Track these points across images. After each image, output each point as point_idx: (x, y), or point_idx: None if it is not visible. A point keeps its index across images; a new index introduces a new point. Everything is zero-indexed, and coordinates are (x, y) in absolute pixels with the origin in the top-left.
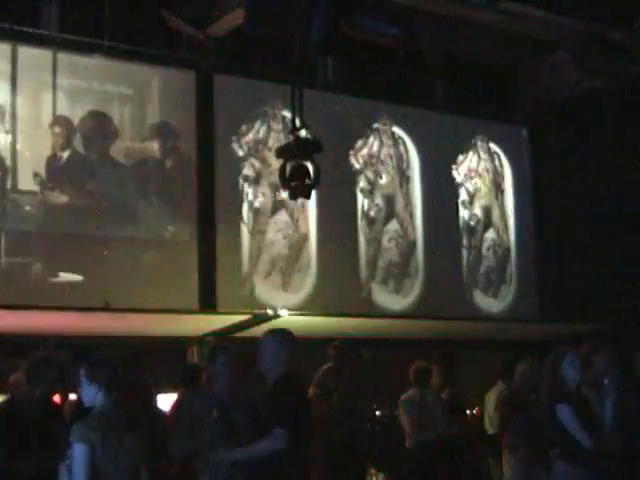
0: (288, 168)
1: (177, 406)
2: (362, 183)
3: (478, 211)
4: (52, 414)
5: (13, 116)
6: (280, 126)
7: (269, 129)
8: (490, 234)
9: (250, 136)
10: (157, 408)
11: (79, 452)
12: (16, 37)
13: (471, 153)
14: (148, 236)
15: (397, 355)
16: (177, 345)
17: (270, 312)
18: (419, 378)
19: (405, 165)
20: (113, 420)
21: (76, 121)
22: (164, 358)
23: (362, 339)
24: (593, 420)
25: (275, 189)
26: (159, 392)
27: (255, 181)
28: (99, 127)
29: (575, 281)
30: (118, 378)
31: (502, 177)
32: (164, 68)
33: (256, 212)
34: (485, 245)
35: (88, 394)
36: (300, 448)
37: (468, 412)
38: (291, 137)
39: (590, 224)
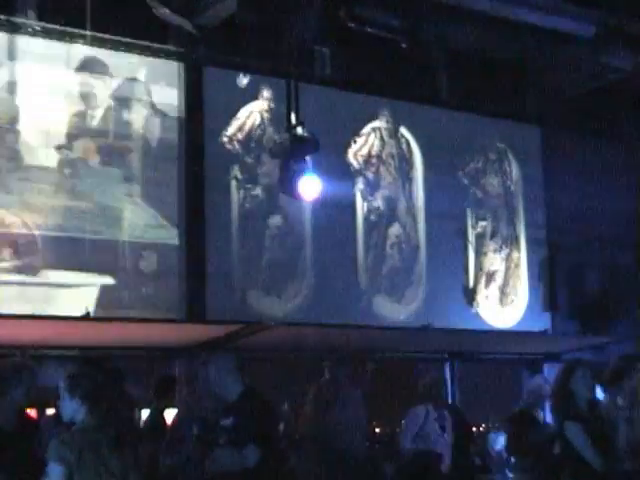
0: (283, 168)
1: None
2: (362, 184)
3: (486, 215)
4: (28, 429)
5: None
6: (275, 123)
7: (263, 126)
8: (498, 240)
9: (242, 133)
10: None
11: (54, 472)
12: None
13: (478, 153)
14: (131, 240)
15: (398, 369)
16: (163, 357)
17: (263, 322)
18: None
19: (408, 165)
20: (95, 438)
21: (55, 115)
22: (149, 371)
23: (362, 352)
24: (605, 439)
25: (269, 190)
26: (144, 407)
27: (247, 181)
28: (81, 122)
29: (589, 291)
30: (101, 392)
31: (511, 179)
32: (150, 59)
33: (248, 215)
34: (494, 248)
35: (68, 409)
36: (271, 464)
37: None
38: (286, 135)
39: (607, 230)
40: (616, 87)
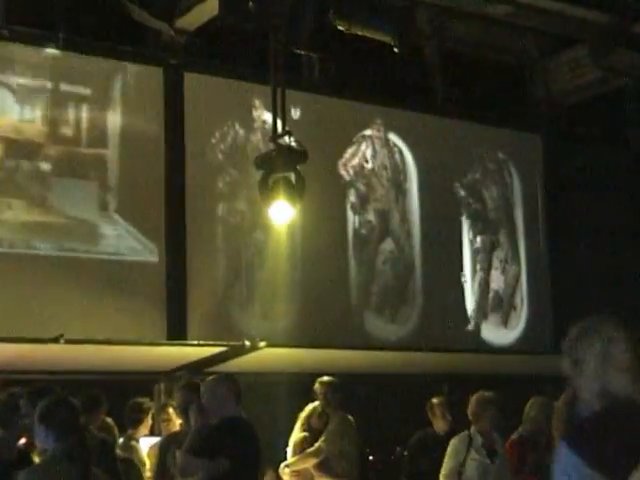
0: (269, 180)
1: None
2: (353, 197)
3: (485, 229)
4: (24, 460)
5: None
6: (260, 132)
7: (247, 135)
8: (498, 254)
9: (226, 143)
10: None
11: None
12: None
13: (476, 163)
14: (109, 257)
15: (393, 392)
16: (143, 382)
17: (248, 343)
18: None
19: (401, 177)
20: (63, 469)
21: (25, 124)
22: (128, 397)
23: (353, 374)
24: None
25: (254, 204)
26: (121, 435)
27: (231, 195)
28: (52, 132)
29: (594, 307)
30: (71, 423)
31: (511, 190)
32: (127, 65)
33: (232, 230)
34: (493, 267)
35: (41, 438)
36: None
37: None
38: (272, 145)
39: (612, 242)
40: (621, 93)
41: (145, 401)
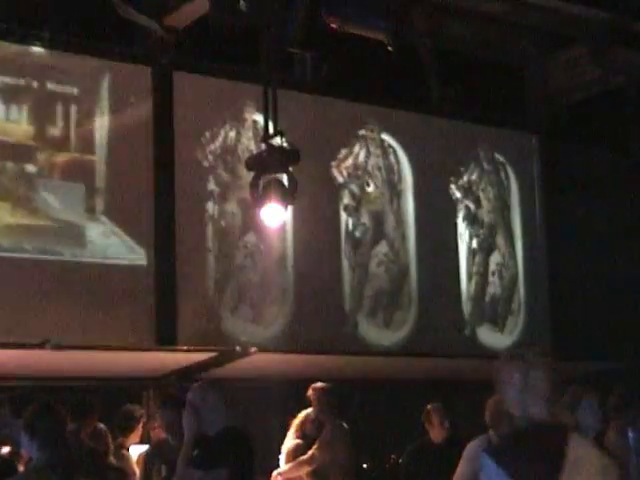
0: (260, 182)
1: None
2: (346, 199)
3: (481, 231)
4: (8, 470)
5: None
6: (251, 133)
7: (238, 136)
8: (495, 258)
9: (216, 144)
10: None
11: None
12: None
13: (472, 164)
14: (97, 260)
15: (388, 398)
16: (131, 388)
17: (239, 349)
18: None
19: (396, 178)
20: (46, 477)
21: (10, 126)
22: (116, 404)
23: (346, 380)
24: None
25: (245, 206)
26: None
27: (222, 197)
28: (38, 133)
29: (592, 313)
30: (60, 430)
31: (508, 192)
32: (115, 64)
33: (223, 233)
34: (490, 271)
35: (26, 447)
36: None
37: None
38: (264, 145)
39: (611, 245)
40: (620, 92)
41: (136, 408)
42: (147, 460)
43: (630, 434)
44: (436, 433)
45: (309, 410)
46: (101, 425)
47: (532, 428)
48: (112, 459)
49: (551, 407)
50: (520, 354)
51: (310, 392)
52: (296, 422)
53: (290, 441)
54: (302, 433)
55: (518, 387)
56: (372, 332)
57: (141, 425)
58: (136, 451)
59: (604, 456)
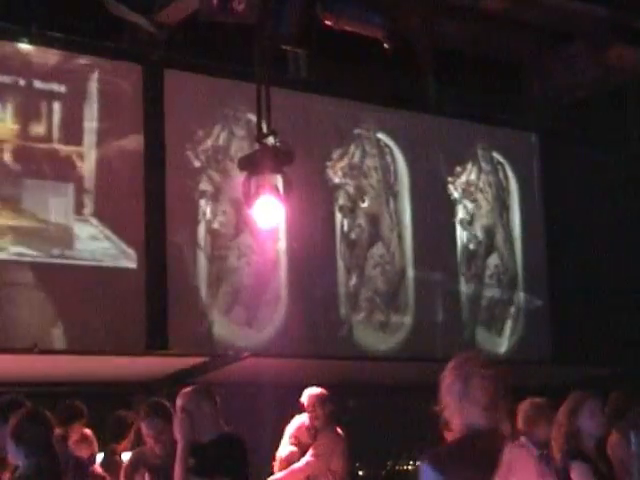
0: (253, 182)
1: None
2: (341, 200)
3: (479, 232)
4: None
5: None
6: (244, 132)
7: (231, 135)
8: (493, 260)
9: (208, 143)
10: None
11: None
12: None
13: (470, 164)
14: (85, 263)
15: (384, 404)
16: (120, 394)
17: (231, 353)
18: None
19: (392, 178)
20: None
21: None
22: (105, 410)
23: (342, 385)
24: None
25: (238, 207)
26: (99, 450)
27: (214, 197)
28: (25, 131)
29: (594, 315)
30: (47, 437)
31: (507, 192)
32: (104, 61)
33: (215, 234)
34: (487, 273)
35: (12, 454)
36: None
37: None
38: (257, 145)
39: (612, 247)
40: (621, 90)
41: (128, 414)
42: (130, 467)
43: (633, 439)
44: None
45: (303, 416)
46: (87, 431)
47: (470, 436)
48: (97, 467)
49: (490, 415)
50: (458, 365)
51: (304, 398)
52: (290, 429)
53: (284, 448)
54: (296, 440)
55: (457, 396)
56: (368, 336)
57: (133, 431)
58: (127, 458)
59: (540, 460)
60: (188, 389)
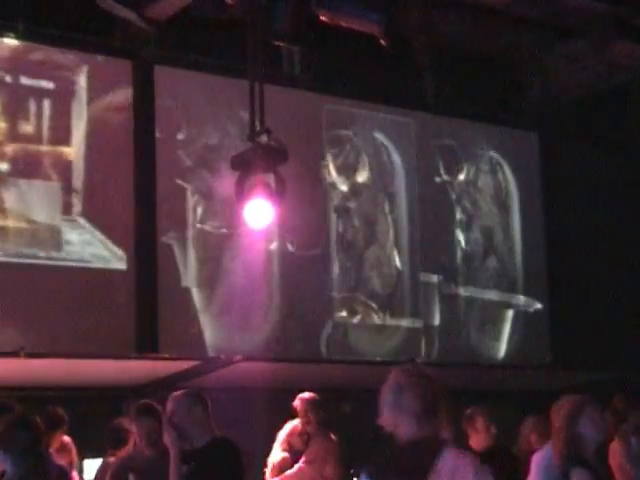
0: (246, 182)
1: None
2: (337, 200)
3: (477, 234)
4: None
5: None
6: (236, 130)
7: (223, 133)
8: (492, 262)
9: (199, 142)
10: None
11: None
12: None
13: (469, 164)
14: (73, 264)
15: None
16: (110, 399)
17: (223, 357)
18: None
19: (388, 178)
20: None
21: None
22: (94, 415)
23: (336, 390)
24: None
25: (230, 207)
26: (87, 457)
27: (206, 197)
28: (11, 129)
29: (595, 319)
30: (35, 444)
31: (507, 193)
32: (93, 57)
33: (207, 235)
34: (486, 275)
35: (0, 460)
36: None
37: None
38: (250, 144)
39: (613, 250)
40: (623, 88)
41: (126, 421)
42: (117, 472)
43: (634, 444)
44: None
45: (296, 421)
46: (66, 438)
47: (402, 444)
48: (75, 475)
49: (425, 424)
50: (395, 376)
51: (297, 402)
52: (282, 434)
53: (276, 454)
54: (289, 446)
55: (392, 407)
56: (364, 339)
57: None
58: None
59: (481, 465)
60: (178, 393)
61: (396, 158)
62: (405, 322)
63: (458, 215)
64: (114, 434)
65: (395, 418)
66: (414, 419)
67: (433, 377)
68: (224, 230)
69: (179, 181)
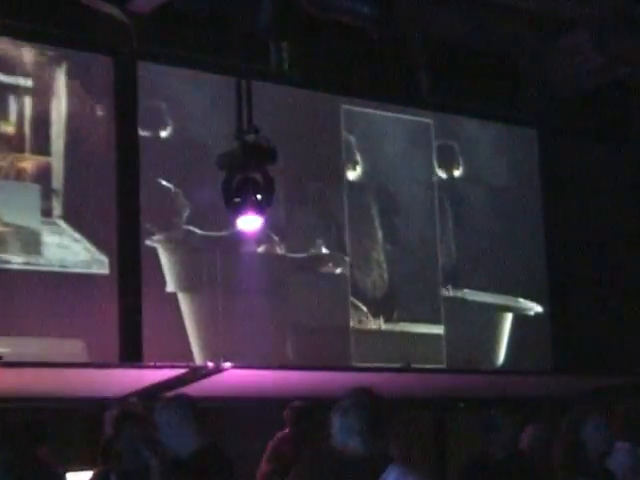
0: (233, 182)
1: None
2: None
3: (473, 238)
4: None
5: None
6: (223, 128)
7: (209, 132)
8: (491, 264)
9: (185, 141)
10: None
11: None
12: None
13: (465, 162)
14: (53, 269)
15: None
16: (92, 410)
17: (211, 365)
18: None
19: (382, 177)
20: None
21: None
22: (74, 427)
23: (332, 399)
24: None
25: (217, 208)
26: (66, 470)
27: (192, 198)
28: None
29: (597, 322)
30: (17, 460)
31: (504, 193)
32: (73, 53)
33: (193, 237)
34: (485, 278)
35: None
36: None
37: None
38: (237, 142)
39: (617, 250)
40: (625, 83)
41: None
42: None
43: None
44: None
45: (287, 432)
46: (43, 452)
47: (347, 460)
48: None
49: (368, 442)
50: (342, 399)
51: (287, 412)
52: (272, 446)
53: (266, 466)
54: (279, 458)
55: (338, 426)
56: (361, 345)
57: None
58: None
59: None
60: (165, 401)
61: (390, 156)
62: (402, 328)
63: (454, 216)
64: (109, 446)
65: (344, 438)
66: (358, 436)
67: (378, 397)
68: (212, 232)
69: (164, 181)
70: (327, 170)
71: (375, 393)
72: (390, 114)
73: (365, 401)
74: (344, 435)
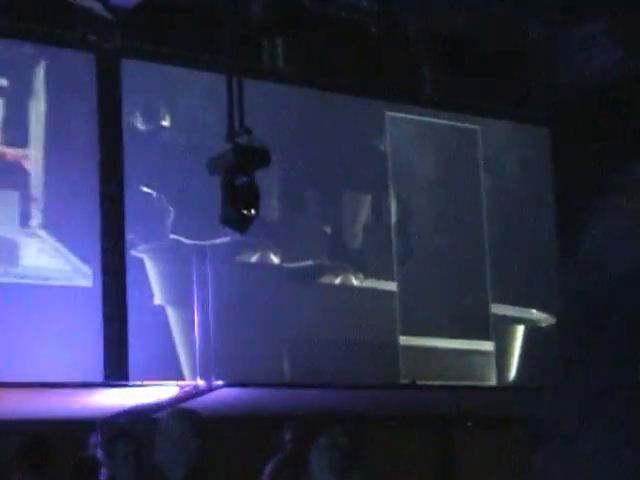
0: (224, 186)
1: None
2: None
3: (480, 243)
4: None
5: None
6: (213, 129)
7: (197, 133)
8: (498, 271)
9: (172, 142)
10: None
11: None
12: None
13: (471, 161)
14: (33, 281)
15: (381, 437)
16: (75, 432)
17: (202, 383)
18: None
19: (383, 178)
20: None
21: None
22: (56, 450)
23: (329, 417)
24: None
25: (207, 214)
26: None
27: (180, 204)
28: None
29: (612, 331)
30: None
31: (515, 196)
32: (53, 50)
33: (182, 247)
34: (490, 285)
35: None
36: None
37: None
38: (228, 144)
39: (634, 258)
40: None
41: (94, 455)
42: None
43: None
44: None
45: (285, 453)
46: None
47: None
48: None
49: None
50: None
51: (285, 432)
52: (268, 468)
53: None
54: (278, 478)
55: (316, 462)
56: (359, 359)
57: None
58: None
59: None
60: (172, 412)
61: (391, 155)
62: (401, 340)
63: (459, 223)
64: (79, 468)
65: (319, 473)
66: (332, 473)
67: (356, 430)
68: (200, 241)
69: (149, 188)
70: (327, 174)
71: (355, 426)
72: (393, 114)
73: (338, 440)
74: (320, 474)
